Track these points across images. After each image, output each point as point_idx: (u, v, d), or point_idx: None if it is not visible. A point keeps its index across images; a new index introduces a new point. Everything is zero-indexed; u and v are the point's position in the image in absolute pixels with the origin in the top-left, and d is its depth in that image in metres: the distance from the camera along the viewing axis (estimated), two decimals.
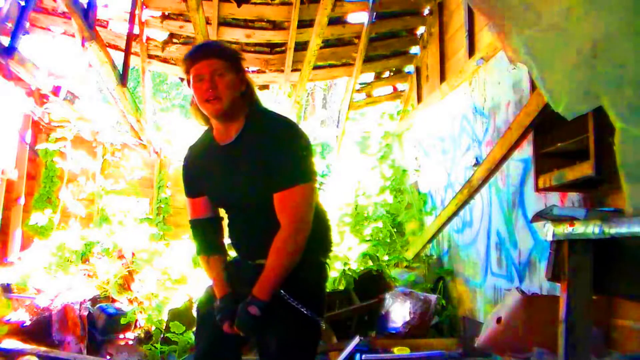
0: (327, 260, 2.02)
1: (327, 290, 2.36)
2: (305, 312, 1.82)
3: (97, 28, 5.30)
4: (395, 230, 6.28)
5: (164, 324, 4.30)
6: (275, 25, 6.18)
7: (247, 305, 1.77)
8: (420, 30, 6.27)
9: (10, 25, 4.58)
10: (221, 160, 1.91)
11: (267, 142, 1.81)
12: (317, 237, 1.91)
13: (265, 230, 1.83)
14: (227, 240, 2.04)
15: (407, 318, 4.12)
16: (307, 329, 1.87)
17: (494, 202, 4.21)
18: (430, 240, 5.33)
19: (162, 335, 4.19)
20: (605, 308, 2.77)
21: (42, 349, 3.96)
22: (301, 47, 6.17)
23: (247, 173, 1.84)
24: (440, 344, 3.93)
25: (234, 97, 1.83)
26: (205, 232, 2.02)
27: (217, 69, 1.81)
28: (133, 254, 5.21)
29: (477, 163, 4.42)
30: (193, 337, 3.90)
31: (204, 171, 1.97)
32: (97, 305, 4.54)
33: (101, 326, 4.41)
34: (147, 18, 6.05)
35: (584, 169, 2.67)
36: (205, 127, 2.01)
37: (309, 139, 1.94)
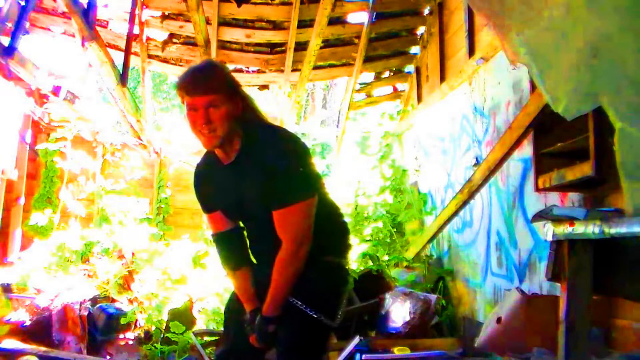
0: (344, 261, 2.01)
1: None
2: (311, 313, 1.82)
3: (97, 28, 5.30)
4: (395, 230, 6.27)
5: (164, 324, 4.30)
6: (275, 25, 6.18)
7: (264, 324, 1.83)
8: (420, 30, 6.26)
9: (10, 25, 4.58)
10: (227, 179, 1.92)
11: (265, 160, 1.79)
12: (330, 237, 1.93)
13: (276, 242, 1.86)
14: None
15: (407, 318, 4.10)
16: (312, 330, 1.87)
17: (494, 202, 4.21)
18: (430, 240, 5.32)
19: (162, 335, 4.20)
20: (605, 308, 2.76)
21: (42, 349, 3.96)
22: (301, 47, 6.17)
23: (250, 191, 1.86)
24: (440, 344, 3.93)
25: (230, 126, 1.79)
26: (229, 246, 2.02)
27: (211, 101, 1.74)
28: (133, 254, 5.21)
29: (477, 163, 4.42)
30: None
31: (214, 188, 1.99)
32: (97, 305, 4.55)
33: (101, 326, 4.41)
34: (147, 18, 6.05)
35: (584, 169, 2.66)
36: None
37: (306, 147, 1.91)
